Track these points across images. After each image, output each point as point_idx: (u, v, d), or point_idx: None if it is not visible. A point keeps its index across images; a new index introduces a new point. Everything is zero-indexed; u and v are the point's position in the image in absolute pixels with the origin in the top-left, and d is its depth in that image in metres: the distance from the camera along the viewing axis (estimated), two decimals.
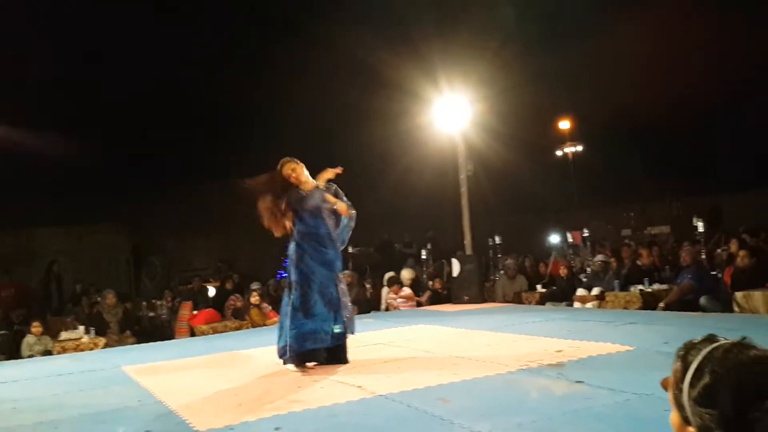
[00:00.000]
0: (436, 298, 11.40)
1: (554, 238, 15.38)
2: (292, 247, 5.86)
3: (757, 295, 7.57)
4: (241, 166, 18.94)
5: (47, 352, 9.03)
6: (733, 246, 9.63)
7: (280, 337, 5.77)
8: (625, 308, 8.90)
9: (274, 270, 15.74)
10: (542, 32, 18.66)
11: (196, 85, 19.15)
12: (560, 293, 10.43)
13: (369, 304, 11.51)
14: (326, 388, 4.89)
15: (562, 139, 23.76)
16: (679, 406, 1.32)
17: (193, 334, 10.21)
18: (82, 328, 9.57)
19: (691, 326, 6.54)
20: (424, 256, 13.60)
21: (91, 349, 9.03)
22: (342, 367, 5.62)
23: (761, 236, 11.95)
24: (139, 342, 9.87)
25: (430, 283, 12.20)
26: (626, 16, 17.32)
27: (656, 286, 9.23)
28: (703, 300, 8.35)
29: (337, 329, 5.69)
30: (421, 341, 6.91)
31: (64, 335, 9.32)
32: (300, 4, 18.49)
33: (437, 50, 12.90)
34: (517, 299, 10.99)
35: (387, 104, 14.71)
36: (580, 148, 23.32)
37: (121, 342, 9.84)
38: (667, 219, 17.96)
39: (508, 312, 9.19)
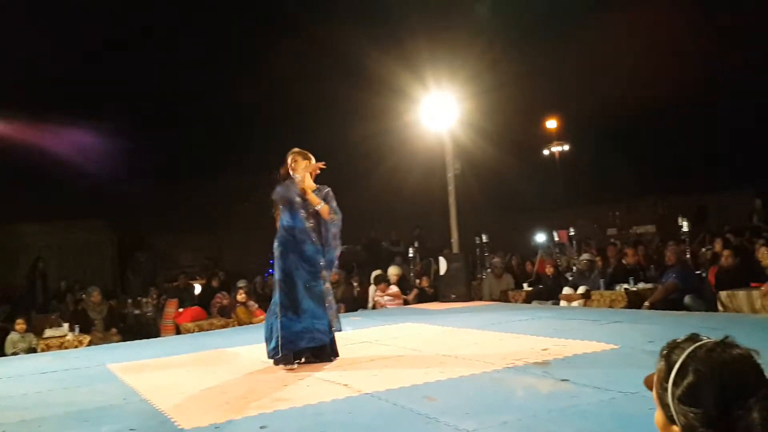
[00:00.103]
0: (423, 297, 11.41)
1: (540, 237, 15.44)
2: (275, 242, 5.82)
3: (741, 294, 7.64)
4: (229, 165, 19.01)
5: (31, 350, 8.97)
6: (718, 245, 9.70)
7: (270, 338, 5.68)
8: (611, 307, 8.95)
9: (260, 267, 15.71)
10: (530, 31, 18.75)
11: (185, 84, 19.07)
12: (546, 292, 10.47)
13: (356, 303, 11.50)
14: (312, 387, 4.88)
15: (548, 139, 23.88)
16: (664, 405, 1.33)
17: (178, 331, 10.16)
18: (66, 325, 9.51)
19: (676, 325, 6.58)
20: (411, 255, 13.61)
21: (76, 346, 8.97)
22: (328, 365, 5.61)
23: (745, 236, 12.05)
24: (124, 340, 9.83)
25: (417, 281, 12.21)
26: (613, 17, 17.41)
27: (641, 285, 9.28)
28: (687, 299, 8.41)
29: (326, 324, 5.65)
30: (408, 339, 6.92)
31: (48, 333, 9.26)
32: (289, 6, 18.47)
33: (424, 48, 12.93)
34: (503, 298, 11.02)
35: (374, 102, 14.72)
36: (566, 147, 23.44)
37: (106, 340, 9.79)
38: (652, 218, 18.09)
39: (494, 310, 9.21)
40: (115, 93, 18.45)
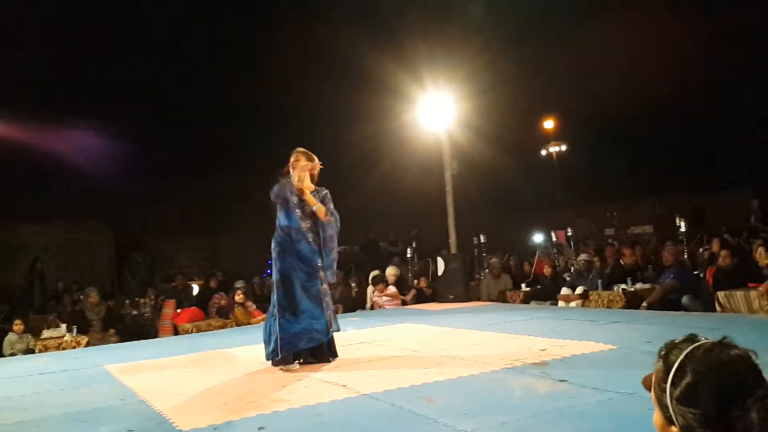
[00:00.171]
0: (421, 297, 11.41)
1: (538, 237, 15.45)
2: (272, 242, 5.81)
3: (739, 294, 7.64)
4: (227, 165, 19.00)
5: (29, 351, 8.95)
6: (715, 245, 9.72)
7: (268, 341, 5.66)
8: (609, 307, 8.95)
9: (259, 268, 15.72)
10: (527, 31, 18.76)
11: (183, 83, 19.06)
12: (544, 292, 10.48)
13: (354, 303, 11.50)
14: (310, 387, 4.88)
15: (546, 139, 23.90)
16: (662, 406, 1.33)
17: (176, 332, 10.16)
18: (64, 326, 9.49)
19: (674, 325, 6.59)
20: (409, 255, 13.61)
21: (74, 347, 8.96)
22: (326, 366, 5.61)
23: (743, 236, 12.08)
24: (122, 340, 9.81)
25: (415, 281, 12.22)
26: (610, 16, 17.44)
27: (639, 286, 9.29)
28: (685, 299, 8.42)
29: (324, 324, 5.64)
30: (406, 340, 6.92)
31: (46, 333, 9.24)
32: (288, 7, 18.47)
33: (422, 48, 12.93)
34: (501, 298, 11.02)
35: (372, 102, 14.74)
36: (563, 147, 23.46)
37: (103, 340, 9.78)
38: (650, 218, 18.11)
39: (492, 311, 9.22)
40: (115, 93, 18.45)
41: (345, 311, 10.72)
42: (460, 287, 10.81)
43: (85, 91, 18.02)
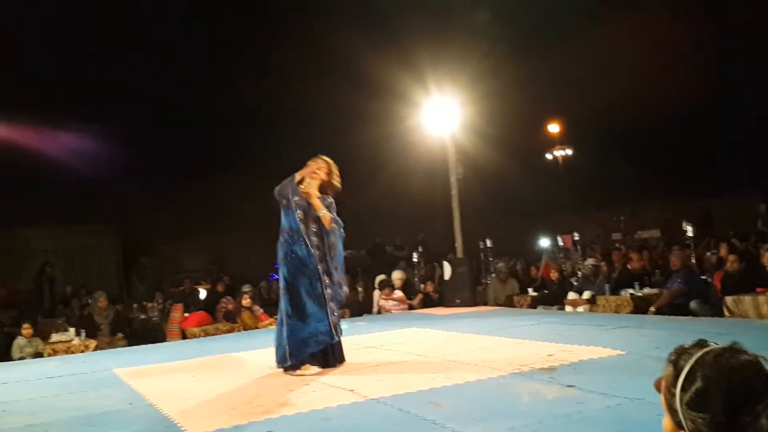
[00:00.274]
0: (428, 302, 11.41)
1: (545, 242, 15.42)
2: (278, 245, 5.83)
3: (747, 299, 7.62)
4: (234, 167, 19.05)
5: (38, 355, 8.99)
6: (723, 250, 9.69)
7: (278, 346, 5.70)
8: (616, 312, 8.94)
9: (265, 272, 15.73)
10: (532, 35, 18.75)
11: (188, 87, 19.11)
12: (551, 297, 10.46)
13: (360, 307, 11.50)
14: (318, 392, 4.89)
15: (551, 143, 23.87)
16: (672, 411, 1.34)
17: (184, 336, 10.17)
18: (72, 330, 9.53)
19: (682, 330, 6.56)
20: (415, 259, 13.61)
21: (82, 351, 9.00)
22: (334, 371, 5.62)
23: (750, 240, 12.03)
24: (130, 344, 9.83)
25: (422, 286, 12.21)
26: (615, 21, 17.42)
27: (647, 290, 9.26)
28: (693, 304, 8.39)
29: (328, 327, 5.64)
30: (413, 344, 6.91)
31: (54, 337, 9.28)
32: (292, 9, 18.50)
33: (426, 52, 12.94)
34: (508, 302, 11.00)
35: (377, 107, 14.74)
36: (569, 151, 23.44)
37: (112, 344, 9.80)
38: (657, 223, 18.06)
39: (499, 315, 9.21)
40: (115, 93, 18.49)
41: (352, 315, 10.73)
42: (467, 292, 10.81)
43: (85, 91, 18.06)
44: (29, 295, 15.93)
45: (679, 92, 17.51)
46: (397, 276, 11.54)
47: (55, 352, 8.92)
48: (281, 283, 5.78)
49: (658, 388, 1.41)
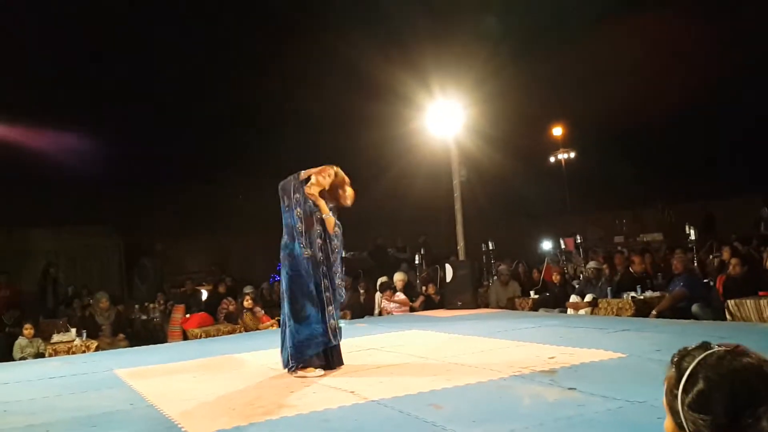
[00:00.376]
0: (430, 304, 11.41)
1: (547, 245, 15.41)
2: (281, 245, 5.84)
3: (749, 303, 7.60)
4: (234, 169, 19.06)
5: (39, 355, 8.99)
6: (726, 253, 9.67)
7: (282, 348, 5.73)
8: (618, 315, 8.92)
9: (267, 273, 15.74)
10: (535, 38, 18.75)
11: (189, 88, 19.14)
12: (553, 299, 10.45)
13: (362, 309, 11.49)
14: (318, 393, 4.88)
15: (555, 146, 23.87)
16: (673, 412, 1.33)
17: (185, 337, 10.18)
18: (74, 330, 9.53)
19: (683, 334, 6.55)
20: (417, 261, 13.61)
21: (83, 351, 9.00)
22: (334, 372, 5.61)
23: (753, 244, 12.01)
24: (131, 345, 9.84)
25: (424, 288, 12.21)
26: (618, 24, 17.41)
27: (649, 294, 9.25)
28: (695, 308, 8.38)
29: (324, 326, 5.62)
30: (414, 346, 6.91)
31: (56, 338, 9.28)
32: (295, 10, 18.51)
33: (430, 55, 12.95)
34: (510, 305, 11.00)
35: (380, 109, 14.75)
36: (572, 154, 23.43)
37: (113, 345, 9.80)
38: (659, 226, 18.03)
39: (501, 318, 9.20)
40: (115, 93, 18.50)
41: (353, 317, 10.72)
42: (469, 294, 10.80)
43: (85, 91, 18.07)
44: (32, 296, 15.93)
45: (683, 95, 17.50)
46: (398, 278, 11.54)
47: (56, 353, 8.92)
48: (282, 286, 5.78)
49: None
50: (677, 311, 8.35)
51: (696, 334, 6.25)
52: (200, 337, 9.83)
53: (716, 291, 8.77)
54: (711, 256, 11.35)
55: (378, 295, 11.39)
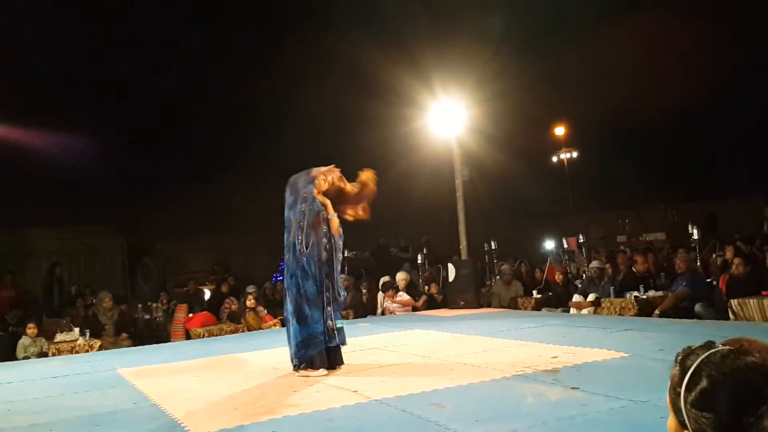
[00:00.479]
0: (432, 303, 11.41)
1: (550, 244, 15.40)
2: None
3: (752, 302, 7.59)
4: (237, 169, 19.07)
5: (42, 354, 9.01)
6: (729, 253, 9.66)
7: (289, 345, 5.77)
8: (621, 315, 8.92)
9: (269, 273, 15.74)
10: (537, 38, 18.74)
11: (192, 88, 19.15)
12: (556, 299, 10.44)
13: (365, 309, 11.50)
14: (321, 393, 4.89)
15: (557, 145, 23.85)
16: (676, 410, 1.33)
17: (188, 337, 10.19)
18: (77, 330, 9.54)
19: (686, 333, 6.55)
20: (419, 261, 13.61)
21: (87, 351, 9.02)
22: (337, 371, 5.62)
23: (756, 243, 11.99)
24: (134, 344, 9.86)
25: (426, 287, 12.21)
26: (619, 24, 17.40)
27: (651, 293, 9.24)
28: (698, 307, 8.37)
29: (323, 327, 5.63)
30: (417, 346, 6.91)
31: (59, 337, 9.30)
32: (297, 10, 18.51)
33: (432, 55, 12.95)
34: (512, 305, 11.00)
35: (382, 109, 14.74)
36: (575, 154, 23.42)
37: (116, 344, 9.82)
38: (662, 225, 18.01)
39: (503, 317, 9.20)
40: (114, 93, 18.52)
41: (356, 317, 10.73)
42: (471, 293, 10.80)
43: (85, 91, 18.07)
44: (39, 296, 15.97)
45: (685, 94, 17.48)
46: (401, 277, 11.54)
47: (59, 352, 8.94)
48: (284, 285, 5.80)
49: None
50: (680, 311, 8.34)
51: (699, 333, 6.24)
52: (203, 336, 9.84)
53: (719, 290, 8.76)
54: (714, 256, 11.33)
55: (380, 294, 11.40)
